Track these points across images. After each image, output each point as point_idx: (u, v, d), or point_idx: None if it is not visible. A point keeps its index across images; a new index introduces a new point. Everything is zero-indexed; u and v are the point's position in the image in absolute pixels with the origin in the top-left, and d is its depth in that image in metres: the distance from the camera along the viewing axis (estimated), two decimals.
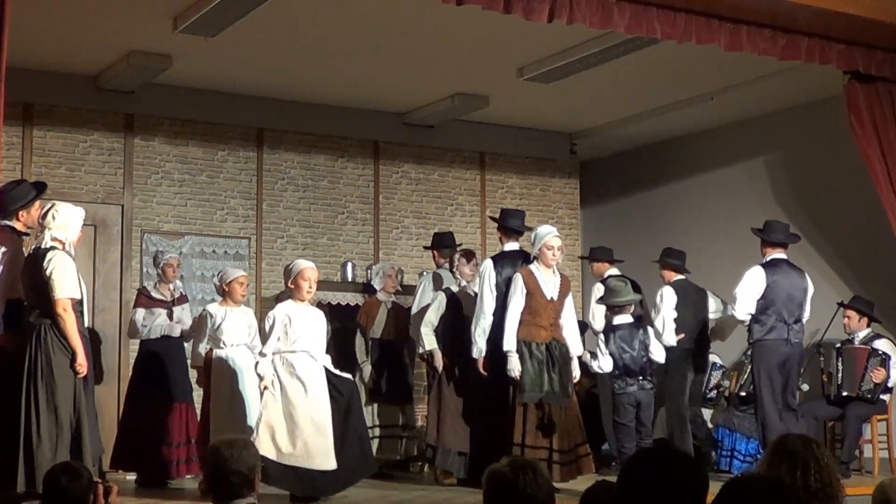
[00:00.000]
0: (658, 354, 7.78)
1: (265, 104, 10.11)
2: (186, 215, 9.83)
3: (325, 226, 10.44)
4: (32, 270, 6.29)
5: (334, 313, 9.48)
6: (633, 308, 7.94)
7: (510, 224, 7.87)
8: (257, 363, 6.99)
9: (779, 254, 7.97)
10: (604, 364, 7.77)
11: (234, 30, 8.09)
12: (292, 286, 7.10)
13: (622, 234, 11.20)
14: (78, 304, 6.30)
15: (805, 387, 9.38)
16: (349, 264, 9.95)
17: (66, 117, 9.41)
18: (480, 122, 11.04)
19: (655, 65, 9.08)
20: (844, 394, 8.65)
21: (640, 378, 7.59)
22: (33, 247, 6.44)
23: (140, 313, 8.28)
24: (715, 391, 9.47)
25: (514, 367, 7.20)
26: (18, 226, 6.58)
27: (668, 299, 8.50)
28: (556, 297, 7.40)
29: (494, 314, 7.51)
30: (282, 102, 10.16)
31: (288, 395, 6.89)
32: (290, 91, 9.98)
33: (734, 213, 10.72)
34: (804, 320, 7.99)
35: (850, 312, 8.91)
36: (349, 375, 7.35)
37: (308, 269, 7.09)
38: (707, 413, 9.43)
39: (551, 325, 7.38)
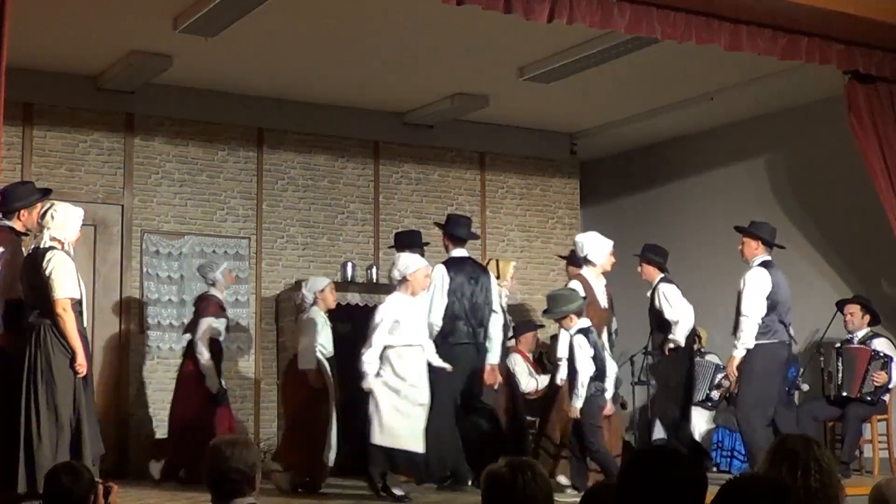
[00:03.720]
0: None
1: (265, 104, 10.11)
2: (186, 215, 9.83)
3: (325, 226, 10.44)
4: (31, 270, 6.30)
5: (334, 313, 9.47)
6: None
7: (457, 232, 7.89)
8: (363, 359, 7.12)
9: (768, 255, 7.78)
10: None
11: (234, 30, 8.09)
12: (410, 279, 7.21)
13: (622, 234, 11.14)
14: (77, 304, 6.31)
15: (805, 387, 9.40)
16: (349, 264, 9.95)
17: (66, 117, 9.40)
18: (480, 122, 11.04)
19: (655, 65, 9.07)
20: (844, 394, 8.64)
21: (602, 381, 7.27)
22: (32, 247, 6.46)
23: (215, 321, 8.47)
24: (716, 392, 9.47)
25: (562, 376, 7.34)
26: (18, 225, 6.60)
27: (676, 296, 8.32)
28: (606, 306, 7.65)
29: (443, 319, 7.60)
30: (282, 102, 10.16)
31: (392, 386, 7.08)
32: (290, 91, 9.98)
33: (734, 213, 10.67)
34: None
35: (854, 308, 8.88)
36: (448, 366, 7.41)
37: (422, 267, 7.29)
38: (707, 414, 9.43)
39: (599, 335, 7.45)
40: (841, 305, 9.01)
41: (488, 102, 10.23)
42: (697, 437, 9.33)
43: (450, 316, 7.63)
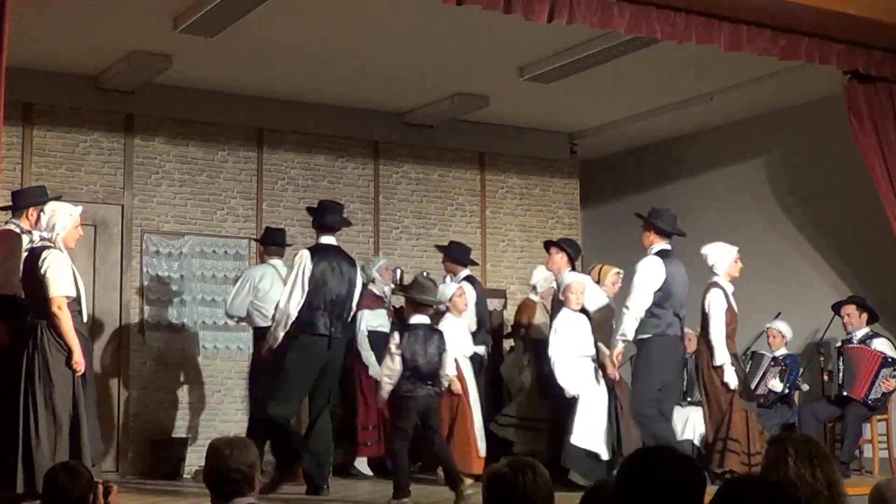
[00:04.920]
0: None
1: (265, 104, 10.11)
2: (186, 215, 9.83)
3: None
4: (29, 270, 6.35)
5: None
6: (431, 310, 7.43)
7: (325, 219, 7.55)
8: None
9: (666, 244, 7.60)
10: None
11: (234, 30, 8.09)
12: (562, 298, 7.88)
13: (622, 234, 11.17)
14: (75, 304, 6.32)
15: (805, 387, 9.39)
16: None
17: (66, 117, 9.40)
18: (480, 122, 11.04)
19: (655, 65, 9.08)
20: (845, 394, 8.64)
21: (430, 384, 7.02)
22: (29, 247, 6.51)
23: (369, 313, 8.77)
24: None
25: (732, 379, 7.63)
26: (25, 224, 6.68)
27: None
28: (737, 310, 7.84)
29: (301, 308, 7.27)
30: (282, 102, 10.16)
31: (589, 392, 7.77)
32: (290, 91, 9.98)
33: (734, 213, 10.73)
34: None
35: (850, 309, 8.88)
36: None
37: (575, 282, 7.86)
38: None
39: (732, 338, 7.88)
40: (837, 308, 9.00)
41: (488, 102, 10.23)
42: (697, 438, 9.31)
43: (307, 306, 7.26)
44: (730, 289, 7.82)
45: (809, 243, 10.12)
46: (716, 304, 7.67)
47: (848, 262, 9.84)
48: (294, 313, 7.26)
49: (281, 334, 7.27)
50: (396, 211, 10.81)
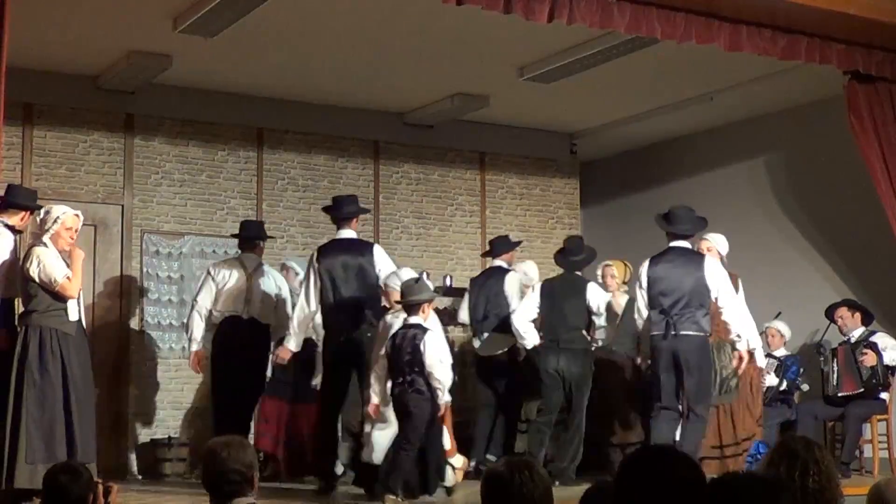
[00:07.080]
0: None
1: (265, 104, 10.11)
2: (186, 215, 9.83)
3: (325, 226, 10.36)
4: (20, 272, 6.47)
5: None
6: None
7: (348, 210, 7.71)
8: None
9: (677, 242, 7.48)
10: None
11: (234, 30, 8.09)
12: None
13: (622, 234, 11.19)
14: (60, 301, 6.47)
15: (805, 387, 9.39)
16: None
17: (66, 117, 9.40)
18: (480, 122, 11.04)
19: (655, 65, 9.08)
20: (840, 394, 8.65)
21: None
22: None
23: None
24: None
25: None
26: (11, 221, 6.73)
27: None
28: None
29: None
30: (282, 102, 10.16)
31: None
32: (290, 91, 9.98)
33: (734, 214, 10.70)
34: (723, 309, 7.37)
35: (842, 311, 8.89)
36: None
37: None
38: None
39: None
40: (830, 312, 8.99)
41: (488, 102, 10.23)
42: None
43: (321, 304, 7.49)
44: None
45: (809, 243, 10.12)
46: None
47: (848, 263, 9.84)
48: (310, 313, 7.44)
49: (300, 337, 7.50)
50: (396, 211, 10.81)
